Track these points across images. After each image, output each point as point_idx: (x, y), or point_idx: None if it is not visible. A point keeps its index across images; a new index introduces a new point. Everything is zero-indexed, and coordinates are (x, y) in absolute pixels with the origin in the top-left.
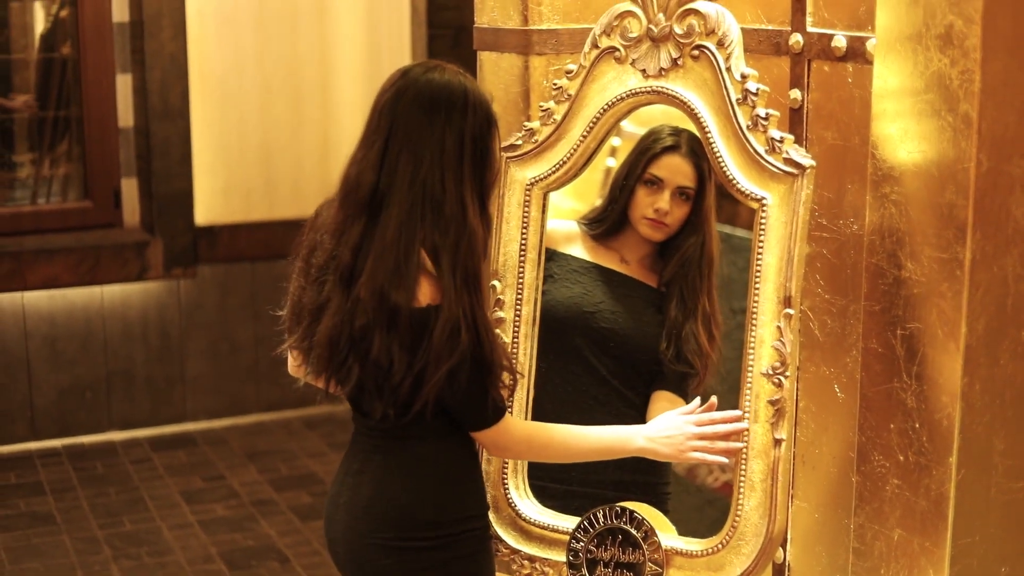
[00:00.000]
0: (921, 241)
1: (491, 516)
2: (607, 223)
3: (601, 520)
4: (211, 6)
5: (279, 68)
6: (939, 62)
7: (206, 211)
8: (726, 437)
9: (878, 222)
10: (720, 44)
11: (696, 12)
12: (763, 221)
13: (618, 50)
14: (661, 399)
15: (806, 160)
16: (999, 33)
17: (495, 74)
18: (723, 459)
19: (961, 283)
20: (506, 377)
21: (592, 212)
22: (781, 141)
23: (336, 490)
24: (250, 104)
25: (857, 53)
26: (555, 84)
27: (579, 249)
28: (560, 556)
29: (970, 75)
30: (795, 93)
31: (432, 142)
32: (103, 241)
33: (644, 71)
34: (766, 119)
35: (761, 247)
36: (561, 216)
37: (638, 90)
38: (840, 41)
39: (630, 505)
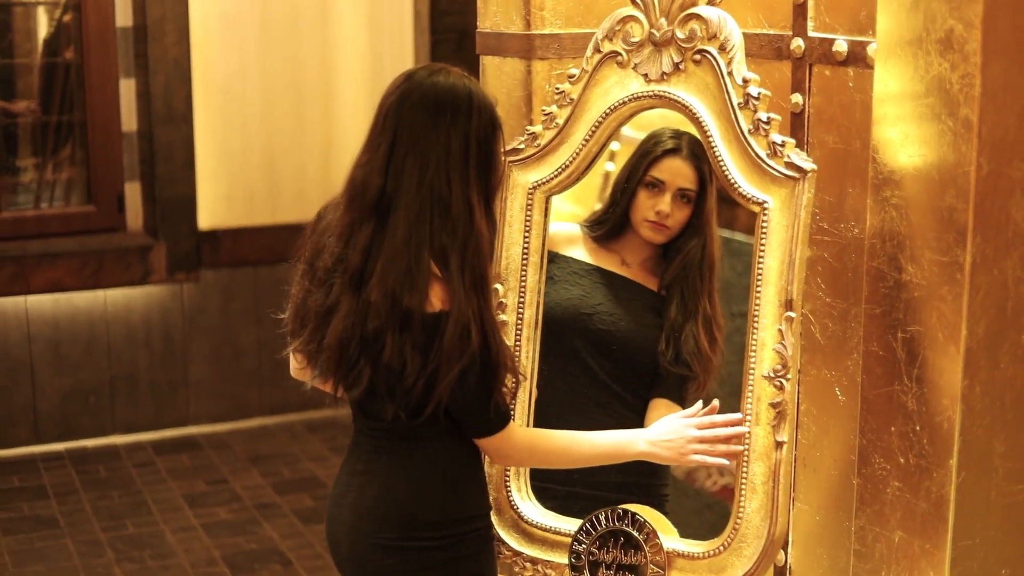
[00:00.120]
0: (922, 245)
1: (493, 518)
2: (608, 225)
3: (603, 522)
4: (215, 11)
5: (282, 73)
6: (939, 66)
7: (209, 215)
8: (727, 440)
9: (879, 226)
10: (722, 48)
11: (698, 17)
12: (764, 225)
13: (620, 54)
14: (659, 407)
15: (807, 164)
16: (999, 37)
17: (498, 78)
18: (724, 461)
19: (961, 286)
20: (508, 380)
21: (594, 215)
22: (782, 145)
23: (339, 491)
24: (253, 109)
25: (858, 57)
26: (557, 88)
27: (580, 251)
28: (562, 558)
29: (970, 79)
30: (796, 97)
31: (438, 145)
32: (106, 245)
33: (646, 75)
34: (767, 123)
35: (763, 250)
36: (559, 220)
37: (640, 94)
38: (841, 46)
39: (632, 507)
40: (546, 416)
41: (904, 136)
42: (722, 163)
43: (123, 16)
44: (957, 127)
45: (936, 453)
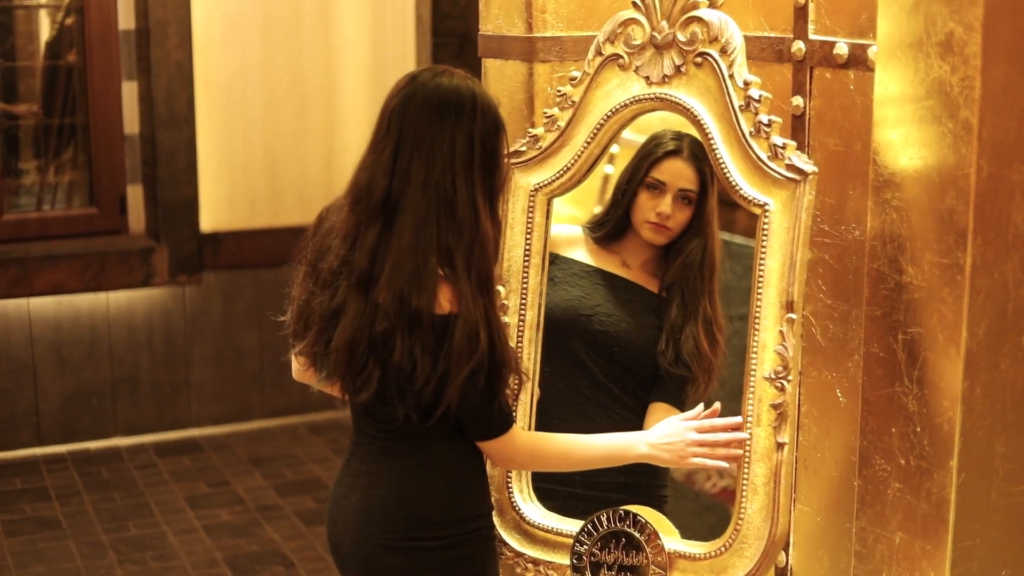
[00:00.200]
0: (922, 246)
1: (496, 520)
2: (609, 227)
3: (604, 523)
4: (217, 14)
5: (284, 76)
6: (940, 69)
7: (211, 218)
8: (726, 445)
9: (879, 228)
10: (723, 51)
11: (699, 20)
12: (766, 227)
13: (622, 57)
14: (658, 411)
15: (808, 166)
16: (999, 40)
17: (499, 81)
18: (723, 464)
19: (962, 288)
20: (512, 380)
21: (595, 217)
22: (783, 147)
23: (341, 492)
24: (255, 112)
25: (859, 60)
26: (559, 91)
27: (582, 253)
28: (564, 559)
29: (970, 82)
30: (797, 100)
31: (443, 146)
32: (109, 248)
33: (647, 78)
34: (769, 126)
35: (764, 252)
36: (557, 222)
37: (642, 97)
38: (842, 48)
39: (633, 508)
40: (547, 417)
41: (905, 138)
42: (723, 165)
43: (125, 19)
44: (957, 129)
45: (937, 454)
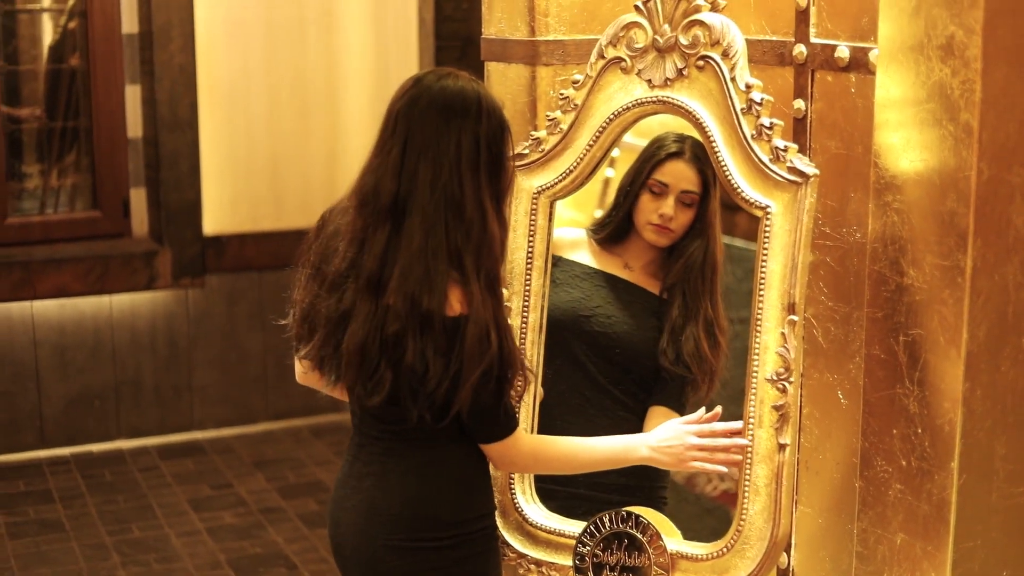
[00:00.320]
0: (923, 249)
1: (498, 520)
2: (611, 228)
3: (607, 524)
4: (220, 17)
5: (287, 79)
6: (940, 72)
7: (214, 221)
8: (726, 449)
9: (880, 230)
10: (725, 55)
11: (701, 23)
12: (767, 229)
13: (624, 60)
14: (658, 414)
15: (810, 169)
16: (999, 43)
17: (502, 84)
18: (722, 468)
19: (962, 290)
20: (517, 380)
21: (599, 219)
22: (785, 150)
23: (344, 493)
24: (258, 115)
25: (860, 63)
26: (562, 94)
27: (584, 255)
28: (566, 560)
29: (971, 85)
30: (799, 103)
31: (449, 147)
32: (112, 251)
33: (650, 81)
34: (770, 128)
35: (765, 255)
36: (558, 225)
37: (644, 100)
38: (843, 52)
39: (636, 509)
40: (549, 419)
41: (905, 141)
42: (725, 168)
43: (129, 23)
44: (958, 132)
45: (938, 456)
